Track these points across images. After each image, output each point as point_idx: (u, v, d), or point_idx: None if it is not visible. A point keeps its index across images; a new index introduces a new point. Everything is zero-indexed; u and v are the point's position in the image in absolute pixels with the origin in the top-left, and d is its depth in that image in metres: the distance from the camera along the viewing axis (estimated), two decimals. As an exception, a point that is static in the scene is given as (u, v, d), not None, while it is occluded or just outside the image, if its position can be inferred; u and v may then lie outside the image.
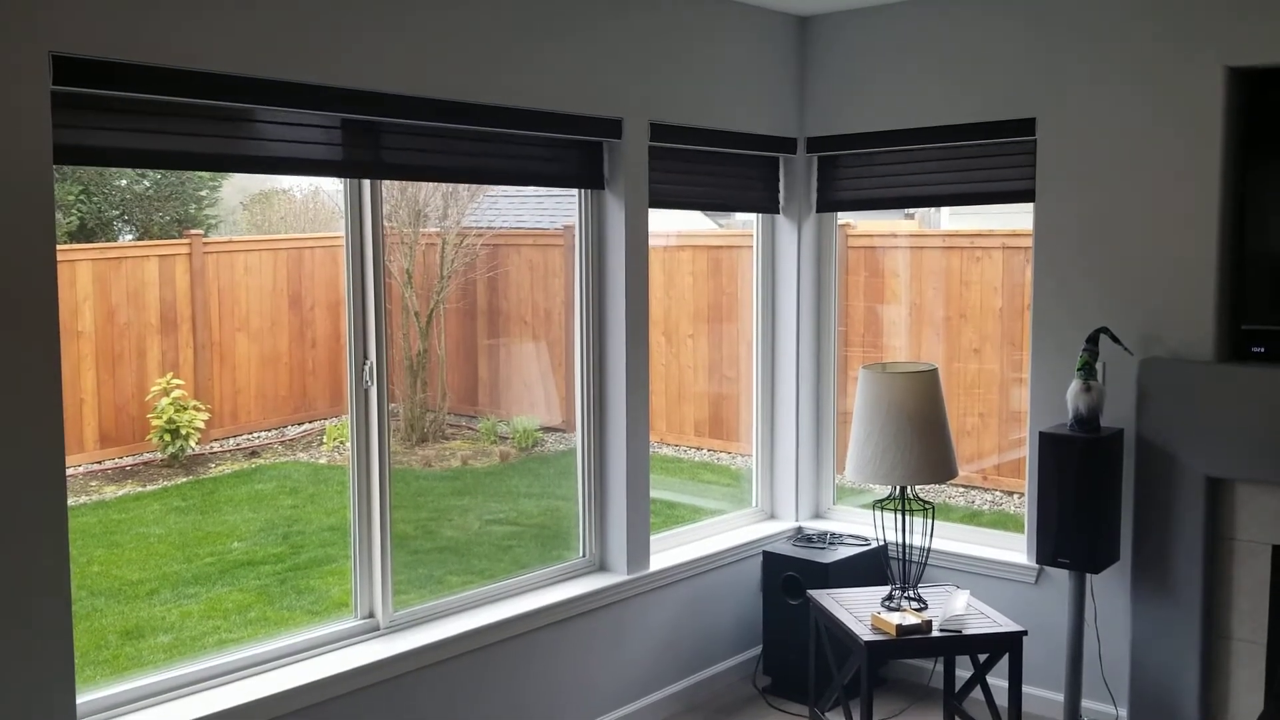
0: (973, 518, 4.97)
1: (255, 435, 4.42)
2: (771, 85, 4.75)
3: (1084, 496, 3.78)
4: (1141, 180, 4.00)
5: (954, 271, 4.99)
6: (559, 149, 3.98)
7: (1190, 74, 3.86)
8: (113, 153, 2.94)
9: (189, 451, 4.12)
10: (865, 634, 3.66)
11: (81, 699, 2.87)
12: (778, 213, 4.95)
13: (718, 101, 4.49)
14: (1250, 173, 3.86)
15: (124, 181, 4.08)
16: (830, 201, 4.91)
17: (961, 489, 5.13)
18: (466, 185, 4.51)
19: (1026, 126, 4.25)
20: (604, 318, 4.21)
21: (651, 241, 4.29)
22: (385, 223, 3.55)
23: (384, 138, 3.45)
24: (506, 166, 3.89)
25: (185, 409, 4.05)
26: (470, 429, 4.92)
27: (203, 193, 4.30)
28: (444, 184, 4.40)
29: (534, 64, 3.77)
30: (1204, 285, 3.87)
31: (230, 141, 3.11)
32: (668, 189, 4.40)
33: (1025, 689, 4.22)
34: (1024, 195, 4.32)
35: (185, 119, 2.98)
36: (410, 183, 3.63)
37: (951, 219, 5.39)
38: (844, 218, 5.09)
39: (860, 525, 4.85)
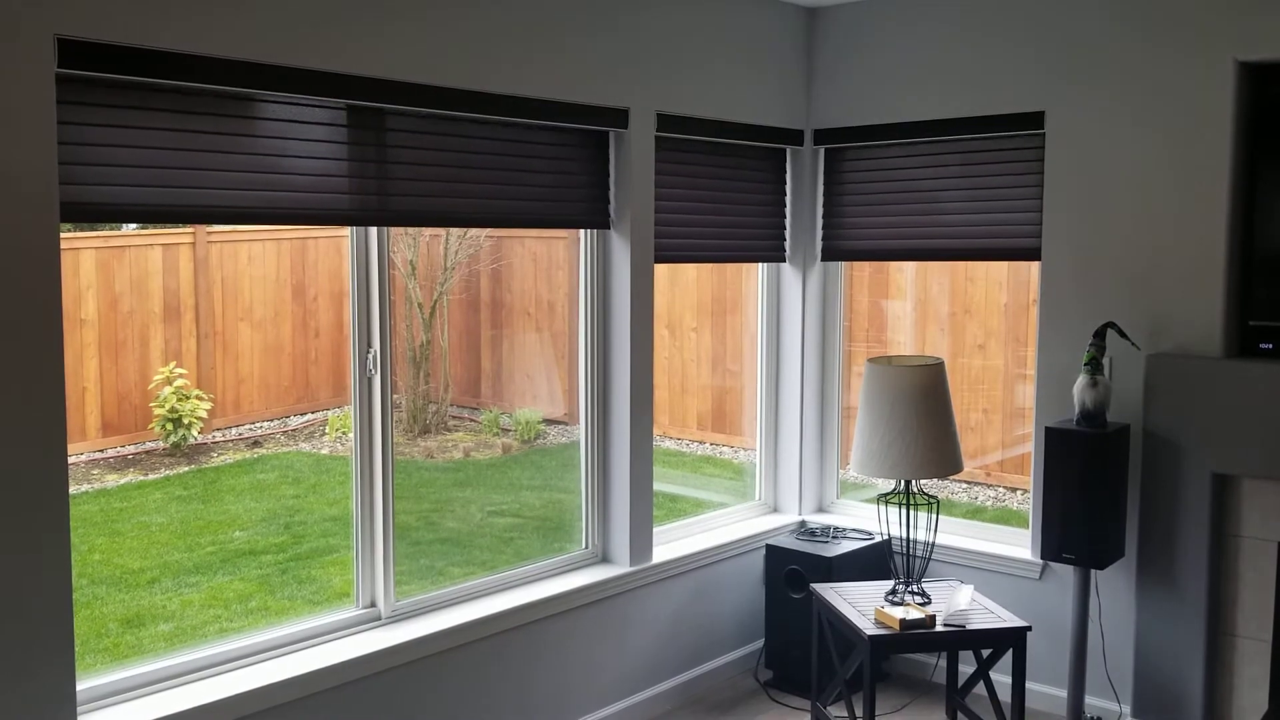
0: (976, 513, 4.96)
1: (257, 425, 4.41)
2: (779, 77, 4.73)
3: (1089, 492, 3.77)
4: (1150, 174, 3.98)
5: (958, 267, 4.97)
6: (566, 147, 3.96)
7: (1199, 68, 3.84)
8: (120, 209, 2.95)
9: (191, 440, 4.11)
10: (868, 628, 3.65)
11: (82, 686, 2.87)
12: (784, 261, 4.94)
13: (725, 93, 4.48)
14: (1259, 167, 3.85)
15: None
16: (835, 250, 4.90)
17: (965, 484, 5.11)
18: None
19: (1035, 120, 4.24)
20: (609, 316, 4.20)
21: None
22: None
23: (389, 136, 3.43)
24: (519, 209, 3.85)
25: (188, 398, 4.04)
26: (473, 421, 4.92)
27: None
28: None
29: (541, 54, 3.76)
30: (1212, 281, 3.86)
31: (239, 178, 3.09)
32: (673, 243, 4.40)
33: (1029, 685, 4.21)
34: (1030, 253, 4.32)
35: (192, 115, 2.96)
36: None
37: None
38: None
39: (864, 519, 4.84)
